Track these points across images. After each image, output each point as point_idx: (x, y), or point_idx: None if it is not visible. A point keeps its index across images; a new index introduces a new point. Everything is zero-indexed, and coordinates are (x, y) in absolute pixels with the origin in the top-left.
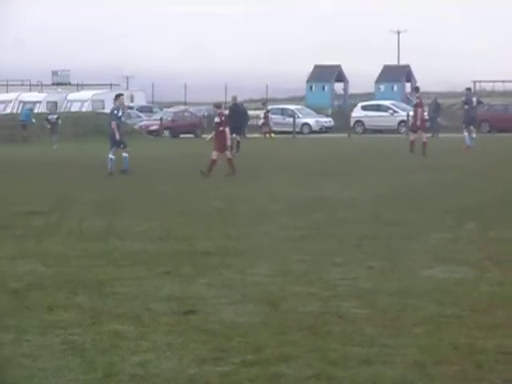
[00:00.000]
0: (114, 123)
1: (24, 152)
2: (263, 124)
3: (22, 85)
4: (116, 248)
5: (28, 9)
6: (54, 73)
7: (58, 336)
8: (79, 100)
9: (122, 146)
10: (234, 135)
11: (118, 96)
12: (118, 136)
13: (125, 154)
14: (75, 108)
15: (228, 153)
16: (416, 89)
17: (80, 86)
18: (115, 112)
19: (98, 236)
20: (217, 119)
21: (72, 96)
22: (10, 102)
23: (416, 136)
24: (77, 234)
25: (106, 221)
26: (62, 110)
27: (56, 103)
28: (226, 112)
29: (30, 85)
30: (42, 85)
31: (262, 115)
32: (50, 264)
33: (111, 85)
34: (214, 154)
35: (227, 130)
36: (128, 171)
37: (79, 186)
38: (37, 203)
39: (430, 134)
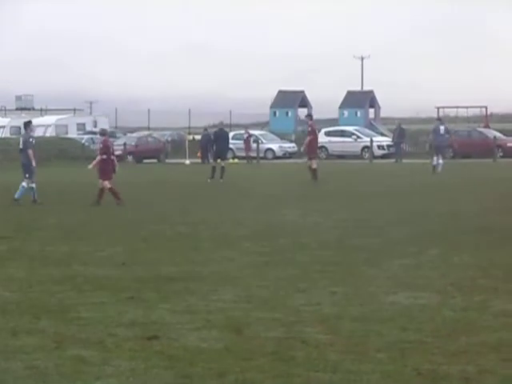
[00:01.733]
0: (30, 151)
1: None
2: (246, 148)
3: None
4: (79, 273)
5: None
6: (18, 98)
7: (21, 361)
8: (43, 125)
9: (26, 175)
10: (219, 160)
11: (28, 123)
12: (34, 163)
13: (32, 185)
14: (39, 133)
15: (107, 182)
16: (309, 116)
17: (44, 111)
18: (30, 140)
19: (61, 261)
20: (100, 146)
21: (35, 121)
22: None
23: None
24: (40, 259)
25: (69, 246)
26: None
27: (20, 128)
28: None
29: None
30: (5, 110)
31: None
32: (12, 289)
33: (75, 110)
34: (104, 183)
35: (112, 157)
36: (21, 202)
37: (42, 211)
38: (0, 228)
39: (394, 160)
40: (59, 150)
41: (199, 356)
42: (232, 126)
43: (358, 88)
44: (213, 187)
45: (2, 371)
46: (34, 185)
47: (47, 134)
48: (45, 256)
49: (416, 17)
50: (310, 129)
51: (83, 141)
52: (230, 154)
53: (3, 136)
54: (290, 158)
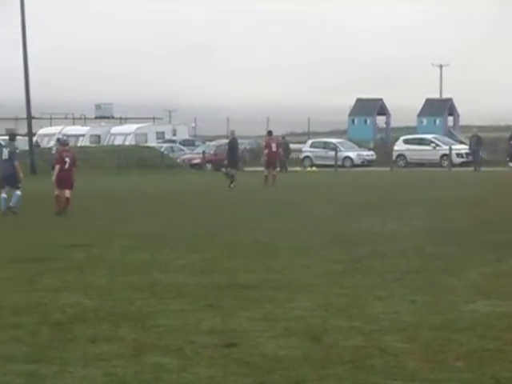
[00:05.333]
0: (17, 163)
1: None
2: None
3: (65, 118)
4: (158, 281)
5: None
6: (98, 106)
7: (100, 368)
8: (122, 133)
9: (19, 184)
10: (229, 168)
11: (14, 136)
12: (21, 175)
13: (18, 192)
14: (118, 141)
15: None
16: (269, 132)
17: (123, 120)
18: (17, 151)
19: (140, 269)
20: (66, 158)
21: (115, 129)
22: (54, 135)
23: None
24: (119, 266)
25: (148, 254)
26: (105, 144)
27: (99, 136)
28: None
29: (74, 118)
30: (85, 118)
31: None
32: (92, 296)
33: (154, 118)
34: (67, 193)
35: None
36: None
37: (121, 218)
38: (79, 236)
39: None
40: (139, 158)
41: (277, 364)
42: (310, 134)
43: (437, 96)
44: (289, 195)
45: (82, 378)
46: (5, 196)
47: (126, 143)
48: (124, 264)
49: (492, 23)
50: (264, 143)
51: (162, 149)
52: (308, 162)
53: (83, 144)
54: (368, 166)
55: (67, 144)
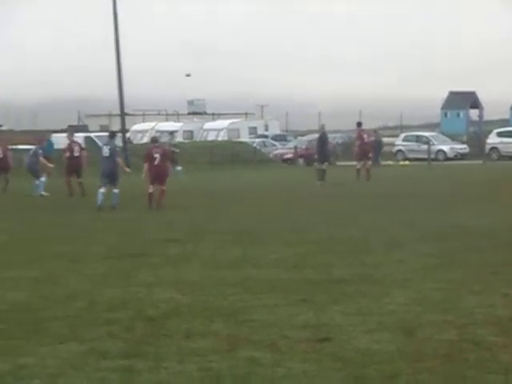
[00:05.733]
0: (119, 160)
1: None
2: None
3: (158, 114)
4: (251, 276)
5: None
6: (190, 102)
7: (195, 363)
8: (215, 129)
9: (117, 182)
10: (319, 163)
11: (114, 133)
12: (127, 170)
13: (116, 190)
14: (211, 137)
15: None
16: (358, 124)
17: (215, 116)
18: (117, 149)
19: (233, 264)
20: (156, 154)
21: (208, 125)
22: (147, 131)
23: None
24: (212, 262)
25: (241, 249)
26: (198, 139)
27: (192, 132)
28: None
29: (167, 114)
30: (178, 114)
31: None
32: (186, 292)
33: (246, 114)
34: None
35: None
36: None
37: (215, 214)
38: (173, 231)
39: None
40: (232, 153)
41: (371, 358)
42: (403, 128)
43: None
44: (381, 189)
45: (177, 373)
46: (103, 191)
47: (219, 138)
48: (217, 259)
49: None
50: (356, 135)
51: (255, 144)
52: (400, 156)
53: (176, 140)
54: (461, 159)
55: (157, 141)
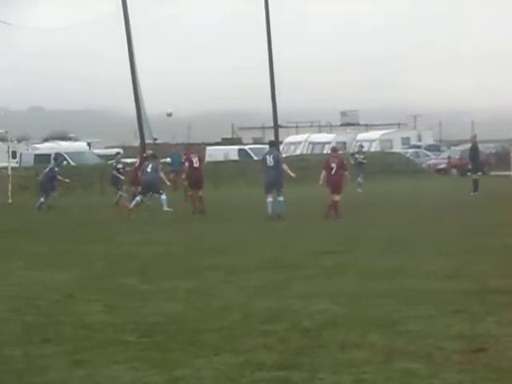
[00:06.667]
0: (285, 166)
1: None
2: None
3: (311, 126)
4: (406, 287)
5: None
6: (343, 113)
7: (350, 374)
8: (368, 140)
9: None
10: (473, 173)
11: (274, 143)
12: (293, 175)
13: (281, 198)
14: (364, 148)
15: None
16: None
17: (368, 126)
18: (281, 158)
19: (388, 275)
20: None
21: (361, 136)
22: (300, 143)
23: None
24: (367, 273)
25: (395, 260)
26: (351, 151)
27: (345, 143)
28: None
29: (319, 126)
30: (331, 126)
31: None
32: (341, 303)
33: (399, 124)
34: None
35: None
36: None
37: (370, 224)
38: (329, 243)
39: None
40: (385, 164)
41: None
42: None
43: None
44: None
45: None
46: (271, 199)
47: (372, 149)
48: (372, 270)
49: None
50: None
51: (408, 155)
52: None
53: (329, 152)
54: None
55: (337, 150)
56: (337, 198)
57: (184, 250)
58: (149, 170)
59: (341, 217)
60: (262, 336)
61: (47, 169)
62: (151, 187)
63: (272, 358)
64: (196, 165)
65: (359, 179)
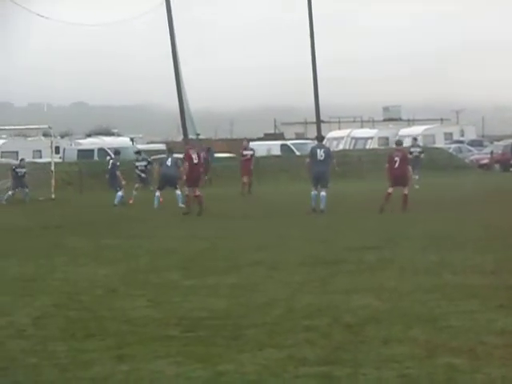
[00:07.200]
0: (333, 161)
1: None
2: None
3: (353, 121)
4: (448, 282)
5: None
6: (385, 109)
7: (393, 370)
8: (410, 135)
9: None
10: None
11: (323, 138)
12: (337, 168)
13: (324, 193)
14: (406, 143)
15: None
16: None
17: (411, 122)
18: (331, 152)
19: (430, 270)
20: (396, 157)
21: (403, 131)
22: (342, 138)
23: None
24: (409, 268)
25: (437, 255)
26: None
27: (388, 139)
28: None
29: (362, 121)
30: (373, 121)
31: None
32: (383, 298)
33: (442, 119)
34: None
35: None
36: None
37: (412, 219)
38: (371, 238)
39: None
40: (427, 159)
41: None
42: None
43: None
44: None
45: (375, 380)
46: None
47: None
48: (414, 265)
49: None
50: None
51: (450, 150)
52: None
53: (371, 147)
54: None
55: (401, 144)
56: (405, 190)
57: (227, 246)
58: (169, 163)
59: (409, 211)
60: (304, 331)
61: (109, 165)
62: (170, 181)
63: (315, 354)
64: (195, 161)
65: (415, 175)
